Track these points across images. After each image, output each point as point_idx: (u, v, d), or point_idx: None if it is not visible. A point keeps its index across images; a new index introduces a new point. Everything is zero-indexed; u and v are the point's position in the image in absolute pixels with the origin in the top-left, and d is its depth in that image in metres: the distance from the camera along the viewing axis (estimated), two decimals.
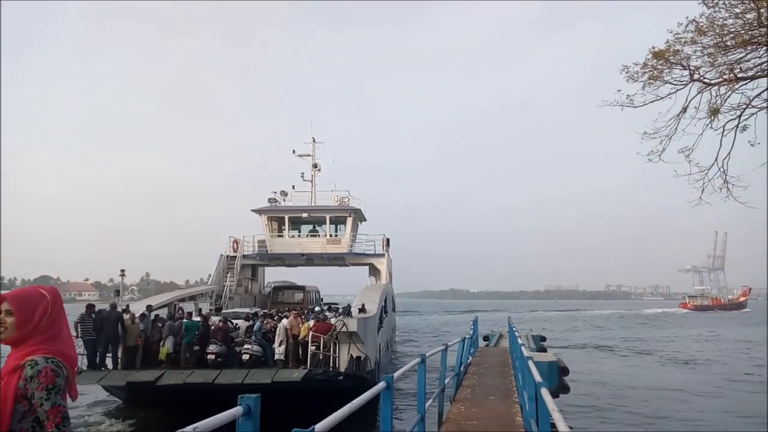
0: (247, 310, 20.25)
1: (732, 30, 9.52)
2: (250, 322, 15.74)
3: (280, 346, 14.51)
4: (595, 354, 31.20)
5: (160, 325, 15.25)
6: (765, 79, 9.55)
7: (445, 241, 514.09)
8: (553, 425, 3.70)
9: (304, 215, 27.59)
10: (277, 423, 5.84)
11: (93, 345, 13.83)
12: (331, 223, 27.30)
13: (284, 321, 15.09)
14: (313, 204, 28.58)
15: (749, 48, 9.57)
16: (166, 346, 14.41)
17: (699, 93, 10.01)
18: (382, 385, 4.57)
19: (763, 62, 9.62)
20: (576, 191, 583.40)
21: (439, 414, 8.63)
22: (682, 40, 9.80)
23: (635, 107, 10.34)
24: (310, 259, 27.13)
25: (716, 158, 10.20)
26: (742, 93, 9.85)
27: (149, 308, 15.89)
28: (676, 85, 10.10)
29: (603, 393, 18.25)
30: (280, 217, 27.11)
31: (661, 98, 10.12)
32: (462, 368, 12.18)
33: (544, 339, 24.37)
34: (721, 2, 9.34)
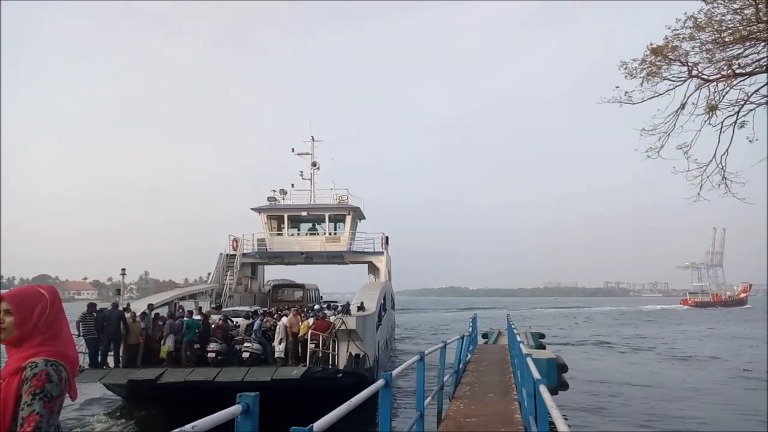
0: (246, 308, 20.29)
1: (730, 26, 9.51)
2: (250, 321, 15.77)
3: (280, 344, 14.55)
4: (595, 351, 31.25)
5: (160, 323, 15.31)
6: (763, 74, 9.54)
7: (444, 239, 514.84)
8: (552, 422, 3.71)
9: (304, 213, 27.61)
10: (276, 421, 5.86)
11: (95, 343, 13.91)
12: (330, 222, 27.31)
13: (284, 319, 15.13)
14: (312, 202, 28.61)
15: (747, 44, 9.55)
16: (167, 345, 14.48)
17: (697, 89, 10.00)
18: (380, 382, 4.57)
19: (762, 58, 9.61)
20: (575, 189, 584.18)
21: (438, 411, 8.64)
22: (681, 36, 9.79)
23: (633, 104, 10.33)
24: (309, 258, 27.12)
25: (714, 154, 10.20)
26: (740, 89, 9.85)
27: (150, 307, 15.93)
28: (674, 81, 10.09)
29: (602, 390, 18.29)
30: (279, 216, 27.12)
31: (660, 95, 10.11)
32: (461, 366, 12.19)
33: (542, 336, 24.44)
34: None
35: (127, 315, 14.54)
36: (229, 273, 25.15)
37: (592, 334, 42.76)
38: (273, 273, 32.03)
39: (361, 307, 15.58)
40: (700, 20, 9.66)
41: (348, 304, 17.27)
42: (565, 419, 3.21)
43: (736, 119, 9.87)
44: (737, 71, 9.69)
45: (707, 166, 10.18)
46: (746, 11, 9.34)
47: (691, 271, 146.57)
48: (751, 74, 9.65)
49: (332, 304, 22.83)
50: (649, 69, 10.09)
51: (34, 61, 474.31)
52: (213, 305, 21.87)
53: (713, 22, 9.61)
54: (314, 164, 29.62)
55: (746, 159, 10.41)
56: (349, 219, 26.90)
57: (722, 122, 10.02)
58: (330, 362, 14.06)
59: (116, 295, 17.60)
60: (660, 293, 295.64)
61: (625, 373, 22.15)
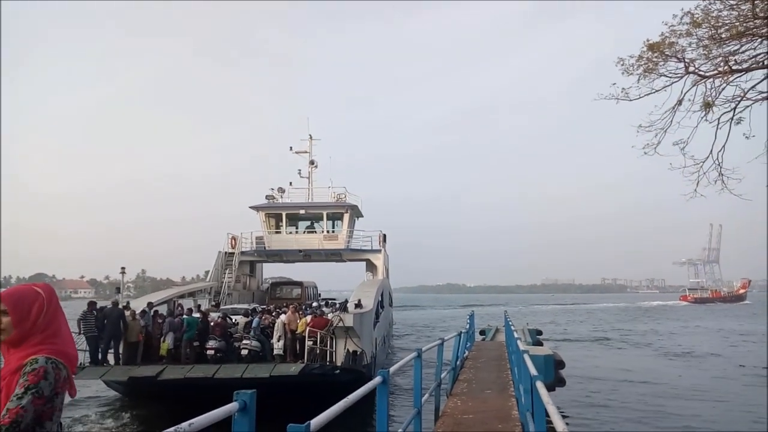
0: (245, 306, 20.34)
1: (727, 22, 9.51)
2: (249, 318, 15.85)
3: (278, 341, 14.62)
4: (593, 347, 31.35)
5: (160, 321, 15.43)
6: (760, 71, 9.56)
7: (442, 236, 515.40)
8: (549, 418, 3.71)
9: (302, 212, 27.68)
10: (274, 417, 5.87)
11: (95, 341, 14.05)
12: (328, 220, 27.41)
13: (282, 316, 15.20)
14: (310, 200, 28.70)
15: (744, 40, 9.56)
16: (167, 342, 14.61)
17: (694, 85, 10.01)
18: (378, 379, 4.57)
19: (759, 54, 9.62)
20: (572, 186, 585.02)
21: (436, 408, 8.66)
22: (677, 32, 9.79)
23: (630, 100, 10.33)
24: (307, 255, 27.18)
25: (711, 151, 10.21)
26: (737, 85, 9.85)
27: (150, 305, 16.05)
28: (671, 77, 10.09)
29: (599, 386, 18.35)
30: (277, 214, 27.19)
31: (656, 91, 10.11)
32: (458, 362, 12.22)
33: (540, 333, 24.53)
34: None
35: (127, 313, 14.64)
36: (227, 271, 25.23)
37: (591, 331, 42.88)
38: (271, 271, 32.12)
39: (358, 305, 15.65)
40: (696, 16, 9.66)
41: (346, 302, 17.32)
42: (562, 415, 3.22)
43: (733, 115, 9.88)
44: (734, 67, 9.70)
45: (704, 162, 10.20)
46: (743, 7, 9.35)
47: (687, 268, 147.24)
48: (747, 70, 9.66)
49: (330, 301, 22.90)
50: (646, 65, 10.09)
51: (34, 60, 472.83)
52: (212, 303, 21.93)
53: (710, 18, 9.61)
54: (312, 162, 29.72)
55: (743, 155, 10.44)
56: (346, 217, 26.98)
57: (719, 118, 10.04)
58: (328, 359, 14.17)
59: (116, 293, 17.71)
60: (657, 289, 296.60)
61: (622, 370, 22.22)
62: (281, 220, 27.13)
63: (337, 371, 13.55)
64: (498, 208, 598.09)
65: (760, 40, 9.48)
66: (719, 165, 10.15)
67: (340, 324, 14.32)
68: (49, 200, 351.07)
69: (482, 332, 24.03)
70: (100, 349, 14.08)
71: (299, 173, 29.34)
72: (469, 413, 8.04)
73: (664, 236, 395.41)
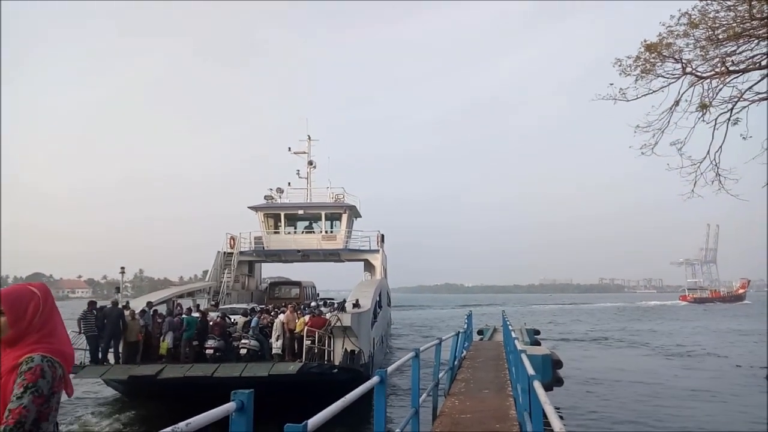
0: (244, 305, 20.38)
1: (724, 23, 9.54)
2: (248, 318, 15.92)
3: (277, 340, 14.69)
4: (591, 347, 31.39)
5: (159, 321, 15.54)
6: (757, 72, 9.60)
7: (440, 236, 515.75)
8: (546, 418, 3.73)
9: (300, 212, 27.77)
10: (272, 416, 5.87)
11: (95, 340, 14.14)
12: (326, 220, 27.54)
13: (281, 316, 15.28)
14: (308, 201, 28.79)
15: (741, 41, 9.60)
16: (167, 342, 14.71)
17: (691, 86, 10.05)
18: (375, 379, 4.57)
19: (755, 55, 9.66)
20: (570, 186, 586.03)
21: (434, 408, 8.66)
22: (675, 33, 9.82)
23: (628, 101, 10.36)
24: (306, 256, 27.24)
25: (708, 151, 10.26)
26: (734, 86, 9.90)
27: (149, 305, 16.15)
28: (668, 78, 10.13)
29: (597, 386, 18.38)
30: (276, 214, 27.27)
31: (654, 92, 10.15)
32: (456, 362, 12.24)
33: (538, 332, 24.58)
34: None
35: (127, 313, 14.74)
36: (226, 271, 25.34)
37: (590, 331, 42.89)
38: (270, 271, 32.13)
39: (356, 305, 15.73)
40: (694, 17, 9.70)
41: (344, 302, 17.36)
42: (560, 415, 3.23)
43: (730, 116, 9.92)
44: (731, 68, 9.74)
45: (701, 162, 10.25)
46: (740, 8, 9.38)
47: (685, 268, 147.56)
48: (744, 71, 9.70)
49: (328, 301, 22.93)
50: (644, 66, 10.12)
51: (34, 59, 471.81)
52: (211, 303, 21.99)
53: (707, 18, 9.64)
54: (311, 163, 29.80)
55: (740, 156, 10.48)
56: (345, 217, 27.05)
57: (716, 119, 10.08)
58: (326, 358, 14.23)
59: (116, 293, 17.86)
60: (654, 289, 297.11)
61: (620, 369, 22.26)
62: (280, 221, 27.19)
63: (335, 370, 13.62)
64: (496, 208, 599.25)
65: (757, 41, 9.52)
66: (716, 165, 10.19)
67: (338, 324, 14.40)
68: (47, 199, 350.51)
69: (480, 332, 24.06)
70: (100, 349, 14.17)
71: (298, 174, 29.49)
72: (467, 413, 8.05)
73: (661, 236, 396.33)
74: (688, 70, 10.05)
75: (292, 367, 12.83)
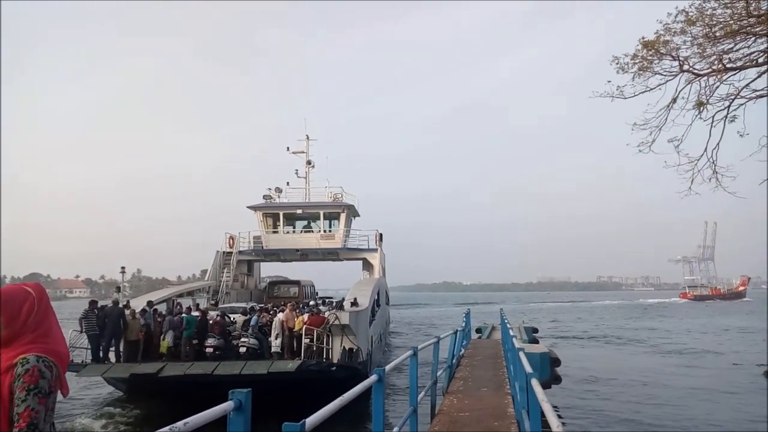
0: (243, 305, 20.45)
1: (721, 20, 9.56)
2: (247, 317, 16.01)
3: (276, 339, 14.79)
4: (590, 345, 31.43)
5: (159, 320, 15.67)
6: (753, 69, 9.62)
7: (438, 235, 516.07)
8: (544, 416, 3.73)
9: (299, 211, 27.86)
10: (270, 414, 5.88)
11: (96, 339, 14.28)
12: (325, 219, 27.64)
13: (280, 315, 15.38)
14: (307, 200, 28.88)
15: (738, 38, 9.62)
16: (167, 340, 14.83)
17: (688, 84, 10.08)
18: (374, 377, 4.57)
19: (752, 52, 9.68)
20: (568, 184, 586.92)
21: (432, 406, 8.66)
22: (672, 31, 9.84)
23: (625, 98, 10.38)
24: (304, 255, 27.34)
25: (705, 149, 10.29)
26: (731, 84, 9.93)
27: (150, 304, 16.27)
28: (665, 75, 10.15)
29: (595, 384, 18.41)
30: (275, 214, 27.37)
31: (651, 89, 10.18)
32: (455, 360, 12.25)
33: (536, 331, 24.61)
34: None
35: (127, 312, 14.85)
36: (225, 270, 25.46)
37: (590, 328, 42.92)
38: (269, 270, 32.18)
39: (354, 303, 15.78)
40: (691, 14, 9.71)
41: (342, 300, 17.40)
42: (557, 413, 3.23)
43: (727, 114, 9.95)
44: (728, 66, 9.76)
45: (698, 160, 10.28)
46: (737, 5, 9.40)
47: (682, 265, 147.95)
48: (741, 68, 9.72)
49: (327, 300, 22.96)
50: (641, 64, 10.14)
51: (34, 59, 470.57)
52: (211, 302, 22.12)
53: (704, 16, 9.66)
54: (309, 163, 29.88)
55: (737, 153, 10.51)
56: (343, 216, 27.13)
57: (713, 116, 10.11)
58: (324, 356, 14.32)
59: (116, 292, 18.11)
60: (652, 287, 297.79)
61: (619, 367, 22.31)
62: (279, 220, 27.28)
63: (334, 368, 13.70)
64: (495, 207, 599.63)
65: (754, 38, 9.54)
66: (713, 163, 10.23)
67: (337, 322, 14.50)
68: (46, 199, 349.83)
69: (478, 330, 24.08)
70: (101, 348, 14.30)
71: (296, 173, 29.62)
72: (465, 411, 8.06)
73: (659, 234, 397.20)
74: (686, 67, 10.07)
75: (291, 365, 12.93)
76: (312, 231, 27.81)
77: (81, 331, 14.30)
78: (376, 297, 19.82)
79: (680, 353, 27.02)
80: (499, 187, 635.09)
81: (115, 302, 15.29)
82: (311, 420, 2.81)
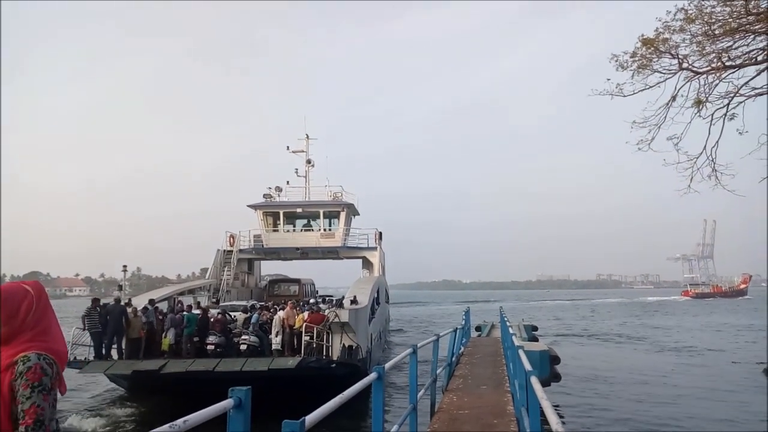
0: (244, 302, 20.55)
1: (720, 18, 9.56)
2: (248, 314, 16.10)
3: (276, 336, 14.88)
4: (589, 343, 31.46)
5: (160, 317, 15.80)
6: (752, 67, 9.62)
7: (438, 233, 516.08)
8: (543, 414, 3.75)
9: (299, 210, 27.97)
10: (271, 411, 5.90)
11: (99, 337, 14.41)
12: (324, 218, 27.76)
13: (280, 312, 15.47)
14: (307, 199, 28.99)
15: (737, 36, 9.62)
16: (168, 338, 14.94)
17: (687, 82, 10.07)
18: (373, 375, 4.58)
19: (751, 50, 9.68)
20: (567, 183, 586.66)
21: (432, 404, 8.69)
22: (671, 28, 9.84)
23: (624, 96, 10.38)
24: (304, 253, 27.47)
25: (705, 146, 10.29)
26: (730, 81, 9.93)
27: (152, 302, 16.37)
28: (664, 73, 10.15)
29: (595, 382, 18.43)
30: (275, 212, 27.48)
31: (650, 87, 10.17)
32: (454, 358, 12.27)
33: (535, 329, 24.61)
34: None
35: (129, 310, 14.97)
36: (226, 268, 25.57)
37: (589, 326, 42.95)
38: (269, 268, 32.25)
39: (354, 301, 15.86)
40: (690, 12, 9.71)
41: (342, 298, 17.46)
42: (557, 410, 3.25)
43: (726, 111, 9.95)
44: (727, 64, 9.76)
45: (697, 158, 10.28)
46: (736, 3, 9.39)
47: (682, 263, 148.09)
48: (740, 66, 9.72)
49: (327, 298, 23.03)
50: (640, 61, 10.14)
51: (34, 59, 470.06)
52: (213, 300, 22.26)
53: (703, 14, 9.66)
54: (309, 162, 29.98)
55: (736, 151, 10.51)
56: (343, 215, 27.20)
57: (712, 115, 10.11)
58: (324, 353, 14.40)
59: (118, 290, 18.24)
60: (652, 285, 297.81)
61: (618, 365, 22.34)
62: (279, 219, 27.39)
63: (333, 365, 13.77)
64: (495, 206, 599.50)
65: (753, 36, 9.53)
66: (713, 161, 10.23)
67: (336, 319, 14.59)
68: (46, 198, 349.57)
69: (478, 328, 24.11)
70: (103, 345, 14.42)
71: (296, 172, 29.72)
72: (465, 409, 8.08)
73: (658, 232, 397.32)
74: (685, 65, 10.06)
75: (291, 362, 13.00)
76: (312, 229, 27.91)
77: (84, 329, 14.46)
78: (375, 295, 19.90)
79: (681, 351, 27.04)
80: (498, 187, 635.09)
81: (117, 300, 15.45)
82: (311, 418, 2.82)
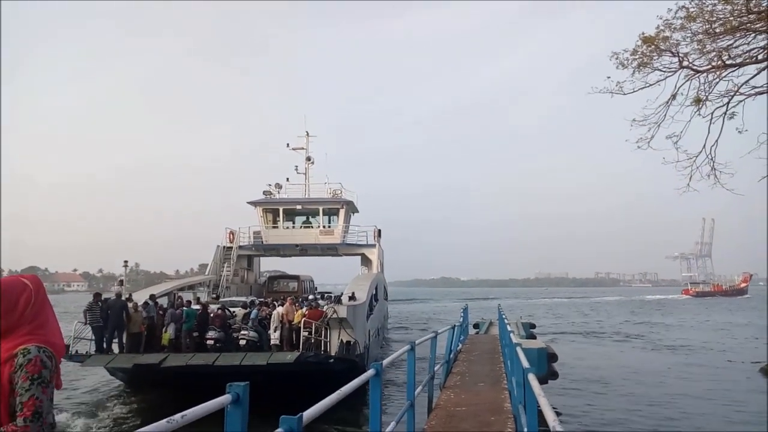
0: (243, 298, 20.65)
1: (721, 16, 9.55)
2: (247, 310, 16.20)
3: (275, 332, 14.99)
4: (587, 341, 31.49)
5: (161, 313, 15.96)
6: (753, 65, 9.61)
7: (437, 231, 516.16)
8: (540, 410, 3.75)
9: (298, 207, 28.09)
10: (269, 405, 5.90)
11: (100, 331, 14.57)
12: (324, 215, 27.82)
13: (279, 308, 15.59)
14: (306, 196, 29.09)
15: (738, 34, 9.60)
16: (169, 333, 15.09)
17: (687, 80, 10.07)
18: (371, 372, 4.58)
19: (752, 49, 9.67)
20: (566, 181, 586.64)
21: (429, 401, 8.71)
22: (672, 26, 9.82)
23: (624, 94, 10.38)
24: (304, 250, 27.57)
25: (704, 145, 10.30)
26: (730, 80, 9.93)
27: (152, 297, 16.50)
28: (665, 71, 10.14)
29: (592, 379, 18.47)
30: (274, 209, 27.60)
31: (650, 85, 10.16)
32: (452, 356, 12.29)
33: (533, 326, 24.66)
34: None
35: (130, 305, 15.09)
36: (226, 265, 25.69)
37: (587, 324, 42.99)
38: (268, 265, 32.32)
39: (352, 297, 15.99)
40: (691, 10, 9.69)
41: (340, 295, 17.54)
42: (554, 408, 3.25)
43: (726, 110, 9.96)
44: (727, 62, 9.75)
45: (697, 156, 10.29)
46: (737, 1, 9.38)
47: (680, 262, 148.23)
48: (740, 65, 9.71)
49: (326, 294, 23.09)
50: (641, 59, 10.13)
51: (34, 56, 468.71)
52: (213, 296, 22.32)
53: (704, 12, 9.64)
54: (309, 159, 30.05)
55: (735, 150, 10.51)
56: (342, 212, 27.26)
57: (712, 113, 10.12)
58: (322, 348, 14.51)
59: (119, 285, 18.42)
60: (650, 283, 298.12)
61: (615, 363, 22.38)
62: (278, 215, 27.49)
63: (331, 360, 13.88)
64: (492, 203, 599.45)
65: (753, 34, 9.52)
66: (712, 159, 10.24)
67: (334, 315, 14.70)
68: (45, 193, 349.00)
69: (476, 326, 24.14)
70: (104, 339, 14.56)
71: (296, 169, 29.81)
72: (462, 406, 8.09)
73: (657, 231, 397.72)
74: (685, 63, 10.05)
75: (289, 356, 13.12)
76: (311, 226, 27.95)
77: (85, 323, 14.63)
78: (374, 292, 19.99)
79: (679, 349, 27.09)
80: (498, 186, 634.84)
81: (118, 295, 15.61)
82: (309, 413, 2.83)
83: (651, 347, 28.08)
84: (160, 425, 2.02)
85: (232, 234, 26.78)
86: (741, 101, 9.88)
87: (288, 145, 30.07)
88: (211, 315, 15.39)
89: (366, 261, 27.68)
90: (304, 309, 15.23)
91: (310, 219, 28.39)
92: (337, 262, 30.73)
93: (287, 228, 27.82)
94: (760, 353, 23.68)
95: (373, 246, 27.34)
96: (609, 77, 10.39)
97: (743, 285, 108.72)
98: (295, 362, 12.79)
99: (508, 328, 11.74)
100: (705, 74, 9.97)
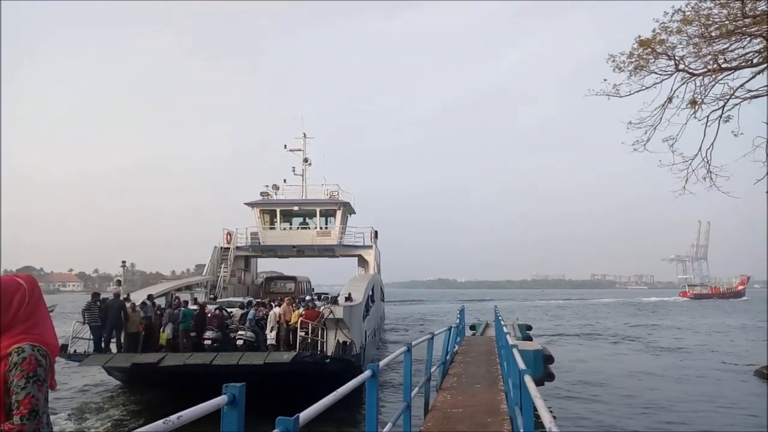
0: (241, 299, 20.69)
1: (717, 20, 9.60)
2: (245, 310, 16.25)
3: (272, 332, 15.04)
4: (584, 342, 31.56)
5: (158, 313, 16.02)
6: (748, 69, 9.67)
7: (433, 232, 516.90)
8: (537, 412, 3.76)
9: (296, 208, 28.15)
10: (266, 405, 5.90)
11: (98, 331, 14.62)
12: (321, 216, 27.87)
13: (276, 309, 15.63)
14: (304, 197, 29.14)
15: (734, 38, 9.67)
16: (166, 333, 15.13)
17: (683, 83, 10.12)
18: (367, 373, 4.59)
19: (747, 52, 9.73)
20: (563, 183, 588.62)
21: (425, 402, 8.71)
22: (668, 30, 9.87)
23: (621, 97, 10.42)
24: (301, 251, 27.65)
25: (700, 148, 10.35)
26: (726, 83, 9.98)
27: (150, 297, 16.58)
28: (661, 75, 10.19)
29: (588, 381, 18.51)
30: (271, 210, 27.66)
31: (647, 88, 10.21)
32: (448, 357, 12.30)
33: (530, 328, 24.70)
34: None
35: (128, 305, 15.15)
36: (223, 265, 25.74)
37: (585, 326, 43.03)
38: (265, 265, 32.33)
39: (348, 298, 16.06)
40: (687, 14, 9.75)
41: (337, 296, 17.58)
42: (551, 411, 3.26)
43: (722, 113, 10.00)
44: (723, 65, 9.81)
45: (692, 159, 10.33)
46: (732, 5, 9.44)
47: (676, 264, 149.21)
48: (736, 69, 9.77)
49: (323, 295, 23.11)
50: (637, 62, 10.18)
51: (34, 53, 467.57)
52: (210, 296, 22.31)
53: (700, 15, 9.70)
54: (306, 160, 30.13)
55: (731, 153, 10.57)
56: (339, 214, 27.31)
57: (707, 116, 10.16)
58: (319, 348, 14.54)
59: (117, 285, 18.50)
60: (646, 285, 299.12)
61: (612, 365, 22.45)
62: (275, 217, 27.54)
63: (328, 360, 13.91)
64: (490, 204, 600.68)
65: (749, 38, 9.58)
66: (708, 162, 10.28)
67: (331, 316, 14.70)
68: (43, 192, 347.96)
69: (472, 327, 24.18)
70: (103, 338, 14.60)
71: (293, 171, 29.86)
72: (459, 407, 8.11)
73: (653, 233, 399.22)
74: (681, 66, 10.10)
75: (286, 356, 13.16)
76: (308, 228, 28.01)
77: (84, 323, 14.71)
78: (370, 293, 20.03)
79: (675, 351, 27.18)
80: (498, 187, 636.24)
81: (116, 295, 15.68)
82: (305, 414, 2.83)
83: (647, 349, 28.16)
84: (157, 426, 2.02)
85: (230, 235, 26.83)
86: (736, 104, 9.93)
87: (285, 146, 30.17)
88: (209, 315, 15.43)
89: (363, 262, 27.76)
90: (301, 309, 15.28)
91: (307, 220, 28.45)
92: (334, 264, 30.83)
93: (284, 229, 27.86)
94: (755, 356, 23.78)
95: (370, 247, 27.40)
96: (605, 80, 10.43)
97: (740, 287, 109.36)
98: (291, 362, 12.85)
99: (505, 330, 11.77)
100: (701, 77, 10.02)
